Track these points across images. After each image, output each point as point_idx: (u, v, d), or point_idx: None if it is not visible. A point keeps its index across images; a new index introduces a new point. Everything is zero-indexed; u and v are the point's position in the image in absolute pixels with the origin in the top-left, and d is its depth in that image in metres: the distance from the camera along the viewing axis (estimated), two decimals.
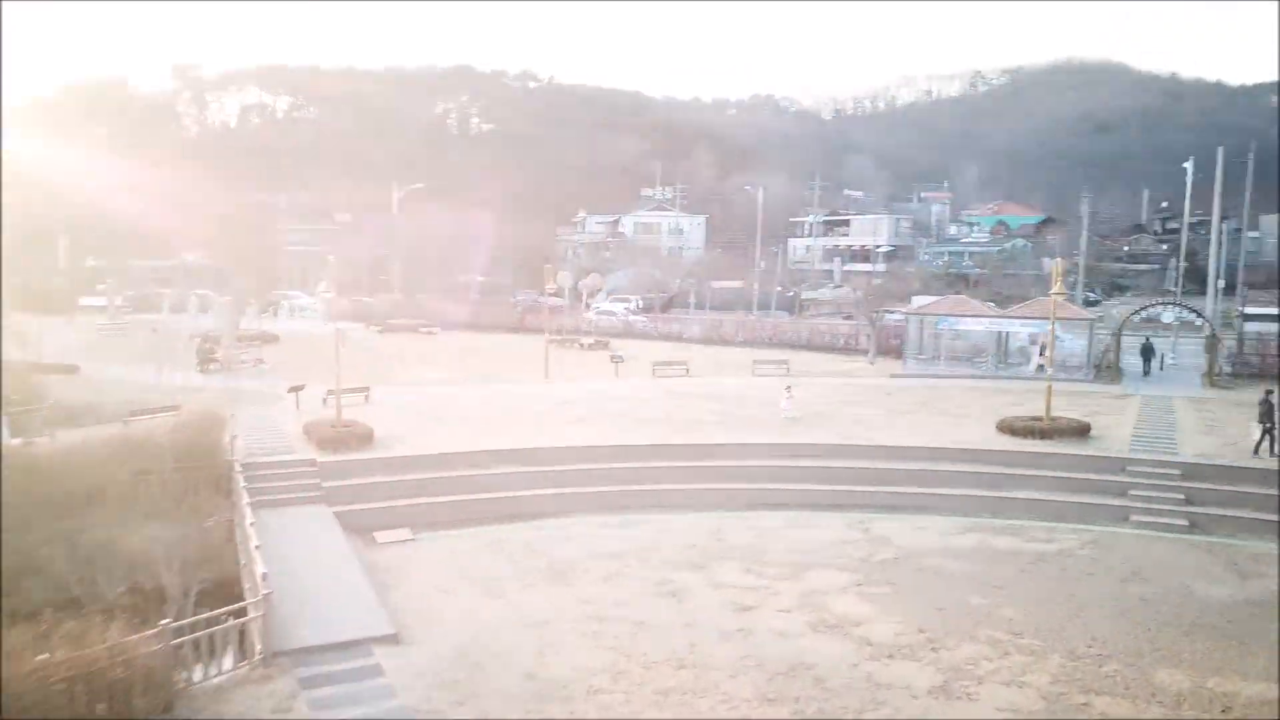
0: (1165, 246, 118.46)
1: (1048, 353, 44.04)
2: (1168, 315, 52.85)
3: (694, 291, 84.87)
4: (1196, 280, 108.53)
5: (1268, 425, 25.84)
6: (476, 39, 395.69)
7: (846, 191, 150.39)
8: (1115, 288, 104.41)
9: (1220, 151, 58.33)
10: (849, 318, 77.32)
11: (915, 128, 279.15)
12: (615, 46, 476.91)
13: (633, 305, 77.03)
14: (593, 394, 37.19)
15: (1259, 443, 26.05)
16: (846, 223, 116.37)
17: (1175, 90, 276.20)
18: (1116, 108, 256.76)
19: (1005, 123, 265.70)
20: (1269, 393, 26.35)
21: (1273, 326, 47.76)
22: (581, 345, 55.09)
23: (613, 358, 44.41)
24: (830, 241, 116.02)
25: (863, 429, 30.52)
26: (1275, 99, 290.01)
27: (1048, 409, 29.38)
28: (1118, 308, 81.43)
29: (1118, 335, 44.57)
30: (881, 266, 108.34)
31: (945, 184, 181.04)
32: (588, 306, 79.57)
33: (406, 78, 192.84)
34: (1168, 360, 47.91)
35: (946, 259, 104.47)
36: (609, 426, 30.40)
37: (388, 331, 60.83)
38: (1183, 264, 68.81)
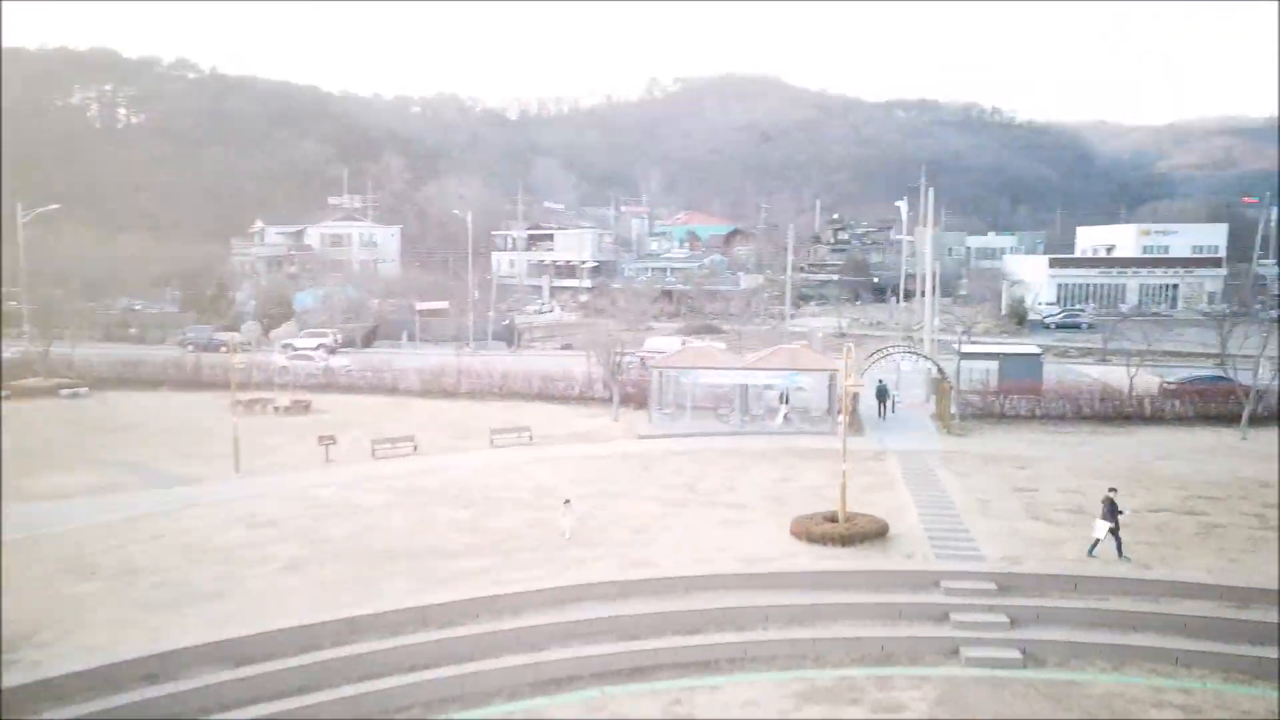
0: (840, 257, 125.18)
1: (789, 405, 42.66)
2: (905, 364, 52.03)
3: (399, 319, 77.34)
4: (873, 291, 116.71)
5: (1112, 526, 24.11)
6: (118, 21, 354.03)
7: (547, 204, 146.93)
8: (800, 298, 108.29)
9: (924, 173, 59.03)
10: (568, 346, 73.40)
11: (599, 130, 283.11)
12: (283, 37, 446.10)
13: (330, 340, 68.23)
14: (303, 499, 29.91)
15: (1096, 543, 24.28)
16: (550, 236, 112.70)
17: (825, 104, 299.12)
18: (777, 119, 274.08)
19: (682, 129, 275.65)
20: (1112, 490, 24.76)
21: (990, 364, 48.67)
22: (276, 409, 46.43)
23: (322, 439, 36.79)
24: (536, 256, 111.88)
25: (642, 542, 25.86)
26: (902, 113, 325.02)
27: (843, 505, 26.22)
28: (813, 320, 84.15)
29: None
30: (588, 283, 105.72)
31: (642, 199, 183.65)
32: (285, 348, 69.78)
33: (28, 60, 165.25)
34: (896, 400, 47.68)
35: (650, 275, 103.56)
36: (333, 572, 23.56)
37: (18, 398, 48.31)
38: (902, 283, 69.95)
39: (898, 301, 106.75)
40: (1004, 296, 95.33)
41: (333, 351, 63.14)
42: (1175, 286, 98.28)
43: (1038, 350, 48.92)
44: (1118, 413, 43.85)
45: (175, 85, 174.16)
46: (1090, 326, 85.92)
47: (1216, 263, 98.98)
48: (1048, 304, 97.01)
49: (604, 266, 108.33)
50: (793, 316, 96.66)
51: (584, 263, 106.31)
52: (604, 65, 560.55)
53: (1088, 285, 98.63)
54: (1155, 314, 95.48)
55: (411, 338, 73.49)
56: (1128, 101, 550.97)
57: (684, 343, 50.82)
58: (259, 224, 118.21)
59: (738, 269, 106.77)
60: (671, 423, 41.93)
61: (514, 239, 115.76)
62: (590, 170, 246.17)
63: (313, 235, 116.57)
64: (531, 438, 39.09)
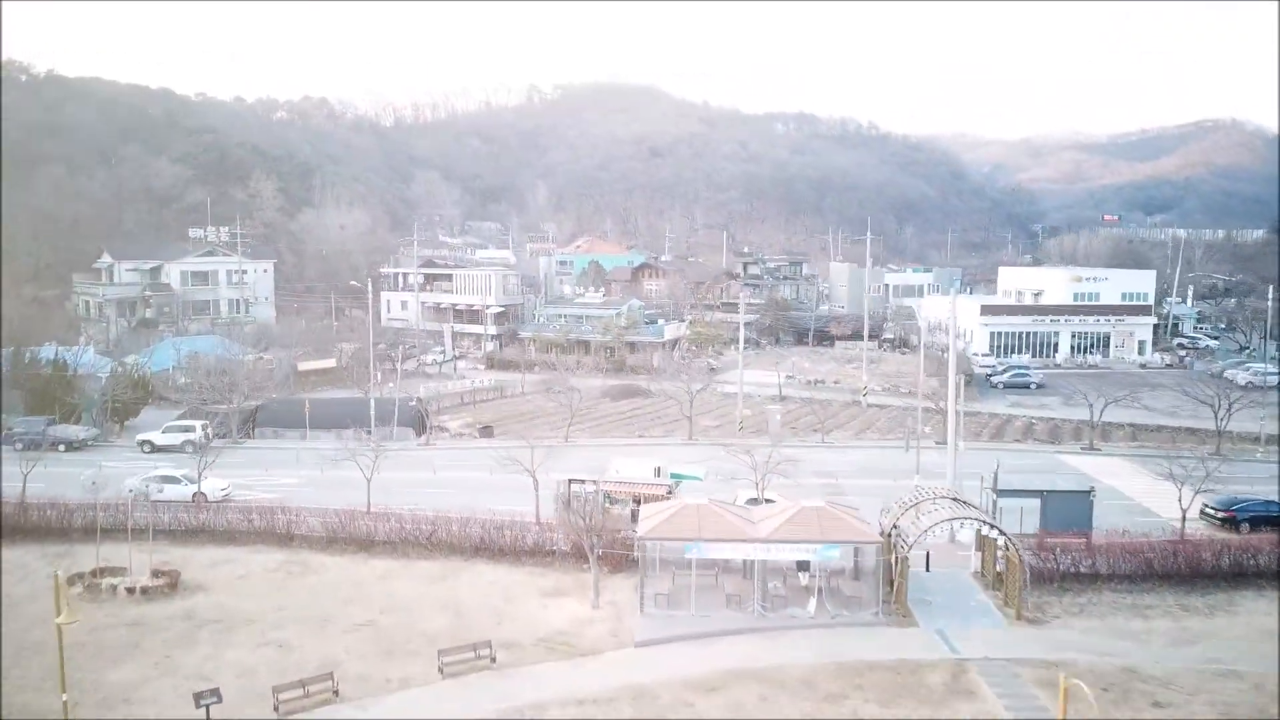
0: (754, 294, 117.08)
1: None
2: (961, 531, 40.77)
3: (282, 402, 64.51)
4: (794, 334, 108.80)
5: None
6: None
7: (443, 238, 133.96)
8: (723, 342, 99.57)
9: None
10: (487, 431, 62.31)
11: (479, 138, 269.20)
12: (131, 34, 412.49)
13: (200, 435, 55.20)
14: None
15: None
16: (449, 276, 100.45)
17: (709, 117, 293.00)
18: (663, 132, 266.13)
19: (566, 139, 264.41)
20: None
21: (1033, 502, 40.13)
22: (130, 590, 33.89)
23: (199, 698, 24.93)
24: (433, 299, 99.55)
25: None
26: (781, 127, 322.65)
27: None
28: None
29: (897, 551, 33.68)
30: (494, 329, 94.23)
31: (547, 233, 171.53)
32: (142, 445, 56.51)
33: None
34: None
35: (564, 323, 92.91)
36: None
37: None
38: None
39: (830, 345, 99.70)
40: (921, 339, 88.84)
41: (202, 448, 50.03)
42: (1107, 336, 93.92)
43: (1087, 488, 40.90)
44: (1193, 569, 35.95)
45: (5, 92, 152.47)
46: (1040, 386, 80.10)
47: (1146, 310, 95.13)
48: (982, 355, 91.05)
49: (510, 310, 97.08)
50: (714, 366, 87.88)
51: (489, 307, 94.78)
52: (480, 68, 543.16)
53: (1019, 334, 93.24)
54: (1094, 365, 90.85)
55: (295, 422, 60.97)
56: (985, 115, 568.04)
57: (670, 490, 40.11)
58: (106, 258, 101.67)
59: (655, 312, 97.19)
60: (671, 615, 31.79)
61: (406, 276, 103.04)
62: (474, 183, 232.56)
63: (172, 272, 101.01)
64: (494, 658, 28.36)
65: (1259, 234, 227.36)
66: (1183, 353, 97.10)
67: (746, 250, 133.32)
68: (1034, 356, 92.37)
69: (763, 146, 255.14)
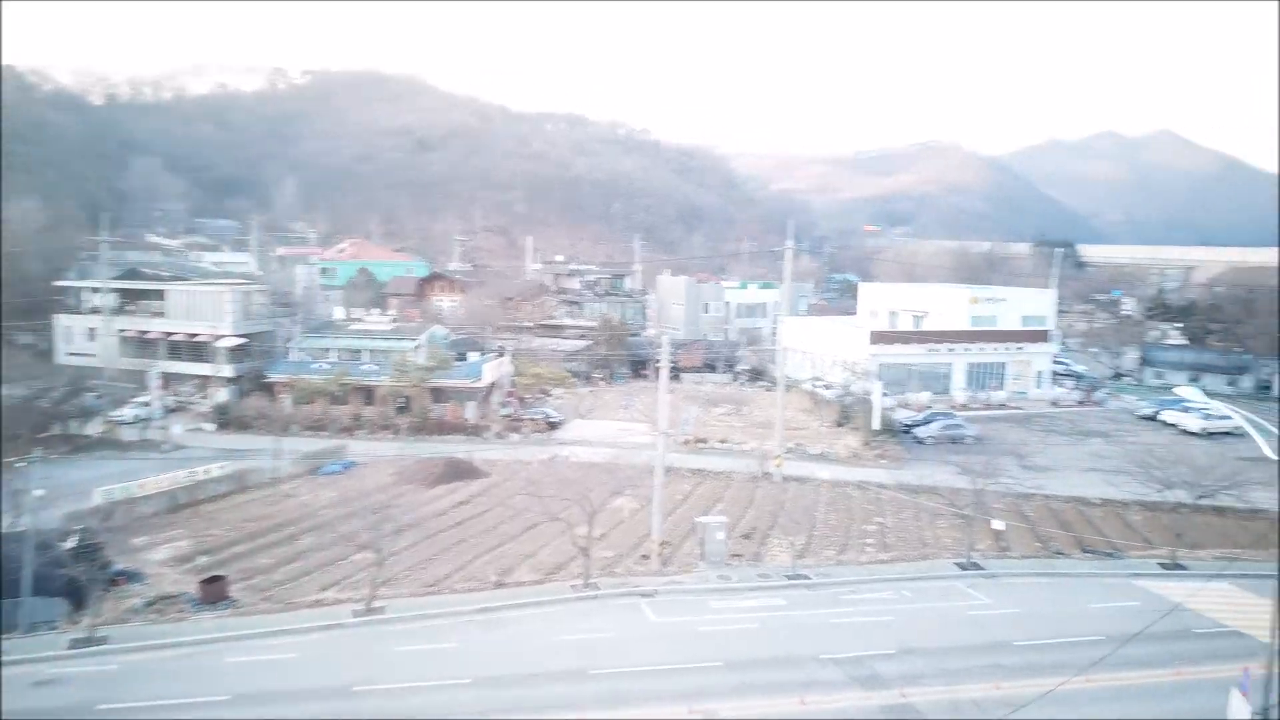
0: (580, 315, 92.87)
1: None
2: None
3: None
4: (630, 365, 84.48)
5: None
6: None
7: (157, 238, 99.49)
8: (548, 380, 74.45)
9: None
10: (213, 589, 34.16)
11: (213, 124, 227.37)
12: None
13: None
14: None
15: None
16: (160, 293, 68.72)
17: (481, 111, 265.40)
18: (432, 125, 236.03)
19: (318, 129, 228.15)
20: None
21: None
22: None
23: None
24: (136, 324, 67.68)
25: None
26: (551, 127, 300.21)
27: None
28: None
29: None
30: (229, 370, 64.26)
31: (309, 237, 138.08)
32: None
33: None
34: None
35: (336, 360, 64.57)
36: None
37: None
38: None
39: (676, 379, 76.54)
40: (771, 367, 68.60)
41: None
42: (1004, 365, 77.58)
43: None
44: None
45: None
46: (976, 440, 61.42)
47: (1044, 335, 79.72)
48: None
49: (257, 343, 67.25)
50: (553, 419, 63.18)
51: (222, 338, 64.75)
52: (215, 46, 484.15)
53: (908, 365, 75.00)
54: (1003, 405, 73.93)
55: None
56: (737, 126, 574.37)
57: None
58: None
59: (462, 343, 70.63)
60: None
61: (97, 293, 70.37)
62: (205, 174, 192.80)
63: None
64: None
65: (985, 245, 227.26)
66: (1071, 384, 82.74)
67: (560, 259, 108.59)
68: (933, 394, 74.40)
69: (545, 145, 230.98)
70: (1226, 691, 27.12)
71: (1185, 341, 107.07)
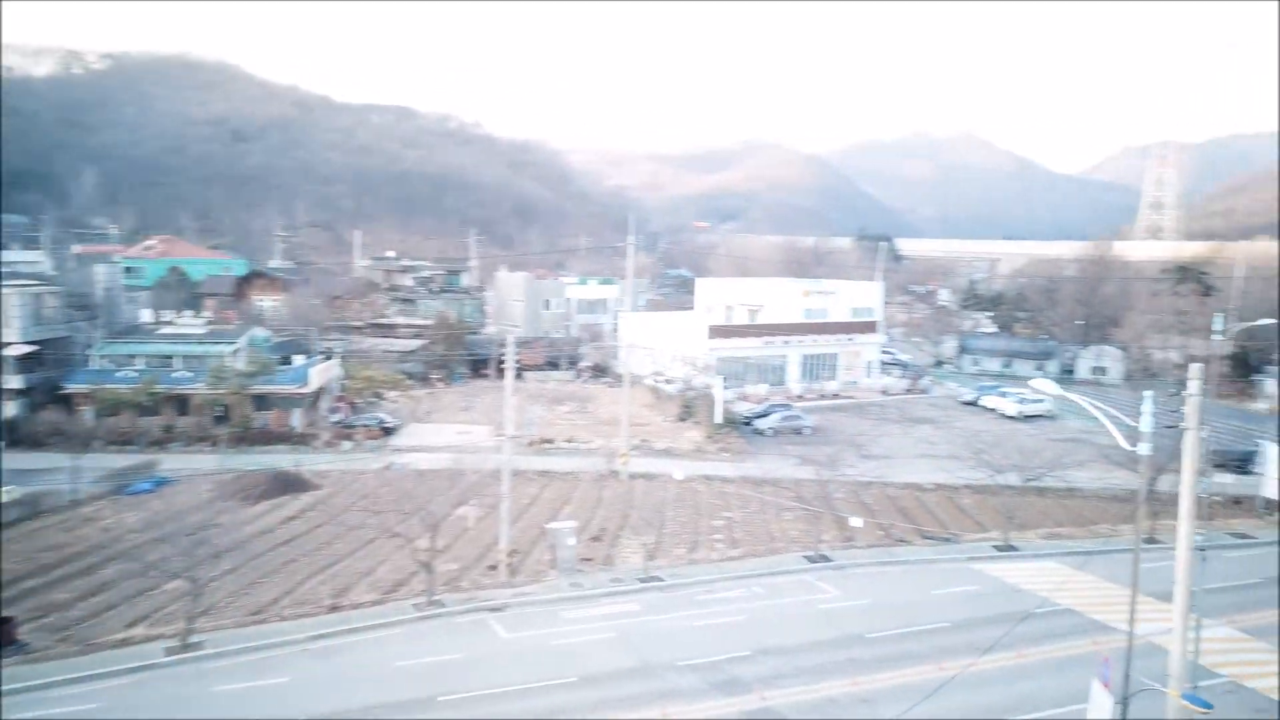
0: (414, 313, 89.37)
1: None
2: None
3: None
4: (470, 365, 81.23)
5: None
6: None
7: None
8: (380, 384, 70.96)
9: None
10: None
11: None
12: None
13: None
14: None
15: None
16: None
17: (302, 101, 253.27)
18: (249, 115, 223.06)
19: (121, 118, 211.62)
20: None
21: None
22: None
23: None
24: None
25: None
26: (378, 118, 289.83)
27: None
28: None
29: None
30: (17, 382, 57.65)
31: (110, 231, 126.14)
32: None
33: None
34: None
35: (144, 366, 59.03)
36: None
37: None
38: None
39: (519, 378, 74.34)
40: (617, 364, 68.49)
41: None
42: (836, 356, 79.75)
43: None
44: None
45: None
46: (813, 430, 62.53)
47: (873, 326, 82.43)
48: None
49: (51, 350, 60.54)
50: (387, 423, 60.17)
51: (8, 345, 57.91)
52: None
53: (745, 358, 75.88)
54: (837, 395, 75.86)
55: None
56: (570, 121, 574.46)
57: None
58: None
59: (286, 345, 66.14)
60: None
61: None
62: None
63: None
64: None
65: (811, 240, 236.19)
66: (898, 373, 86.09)
67: (391, 254, 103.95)
68: (770, 386, 75.52)
69: (371, 137, 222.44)
70: (1064, 670, 28.06)
71: (996, 329, 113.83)
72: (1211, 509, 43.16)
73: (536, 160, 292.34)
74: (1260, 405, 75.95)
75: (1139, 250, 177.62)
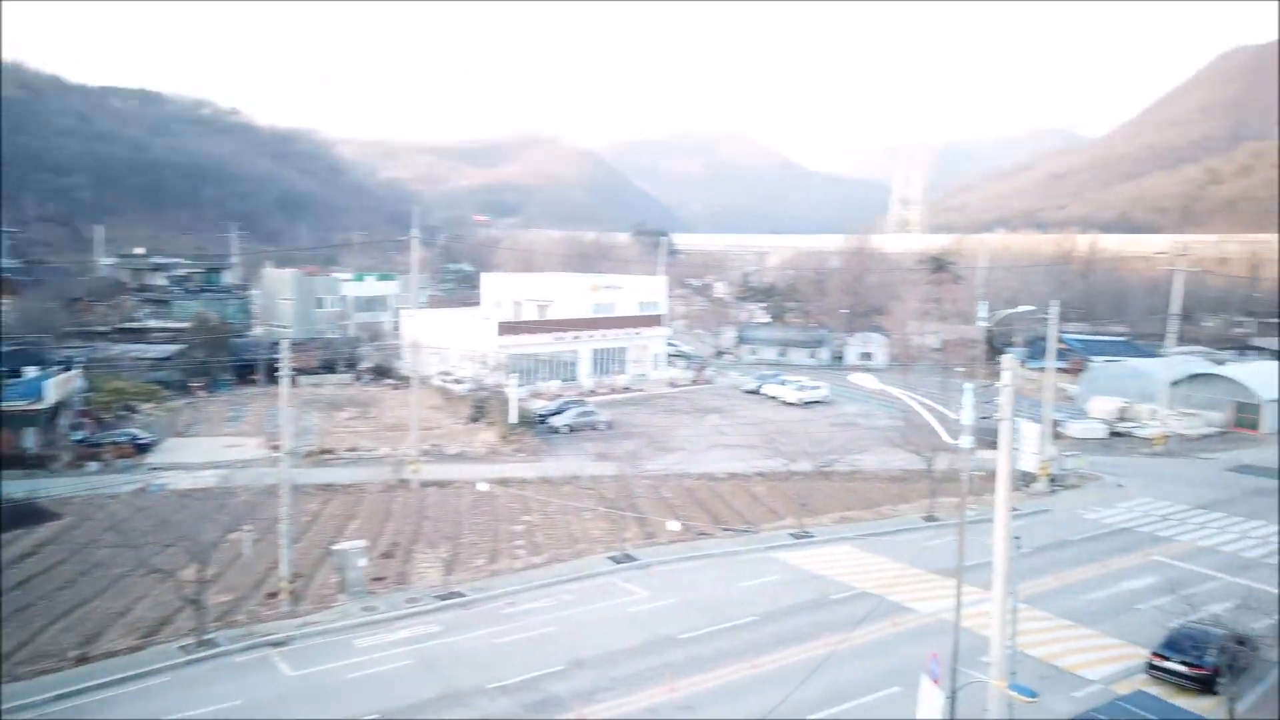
0: (168, 314, 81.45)
1: None
2: None
3: None
4: (235, 372, 73.53)
5: None
6: None
7: None
8: (130, 396, 63.90)
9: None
10: None
11: None
12: None
13: None
14: None
15: None
16: None
17: (27, 82, 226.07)
18: None
19: None
20: None
21: None
22: None
23: None
24: None
25: None
26: (120, 103, 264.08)
27: None
28: None
29: None
30: None
31: None
32: None
33: None
34: None
35: None
36: None
37: None
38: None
39: (293, 384, 68.75)
40: (417, 369, 65.84)
41: None
42: (624, 350, 79.76)
43: None
44: None
45: None
46: (608, 426, 61.84)
47: (658, 320, 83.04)
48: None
49: None
50: (141, 438, 54.02)
51: None
52: None
53: (537, 354, 74.40)
54: (627, 389, 75.71)
55: None
56: (338, 111, 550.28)
57: None
58: None
59: (15, 356, 57.72)
60: None
61: None
62: None
63: None
64: None
65: (590, 235, 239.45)
66: (683, 365, 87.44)
67: (140, 251, 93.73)
68: (561, 382, 74.38)
69: (113, 123, 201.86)
70: (870, 655, 28.49)
71: (770, 320, 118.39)
72: (977, 483, 46.09)
73: (303, 151, 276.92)
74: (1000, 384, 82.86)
75: (893, 243, 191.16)
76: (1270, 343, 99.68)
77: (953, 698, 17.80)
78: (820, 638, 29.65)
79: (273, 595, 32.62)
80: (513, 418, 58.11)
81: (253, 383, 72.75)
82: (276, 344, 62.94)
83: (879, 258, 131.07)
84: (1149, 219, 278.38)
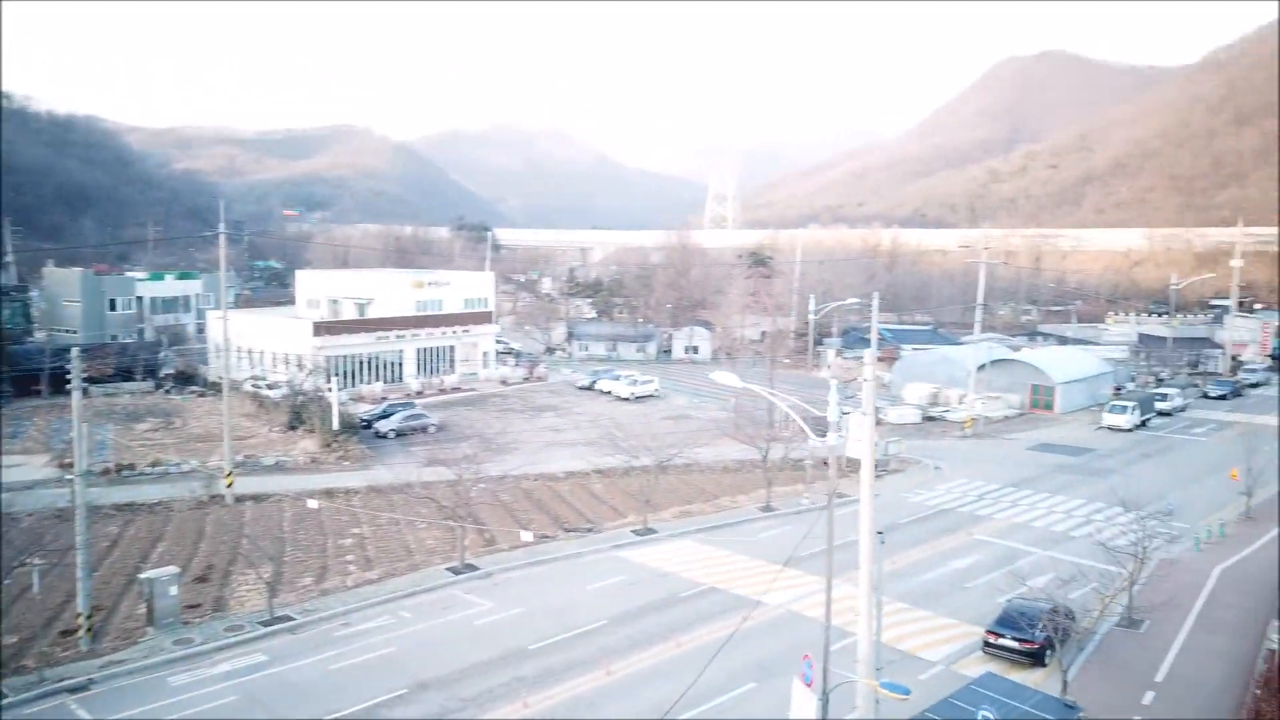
0: None
1: None
2: None
3: None
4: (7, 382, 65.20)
5: None
6: None
7: None
8: None
9: None
10: None
11: None
12: None
13: None
14: None
15: None
16: None
17: None
18: None
19: None
20: None
21: None
22: None
23: None
24: None
25: None
26: None
27: None
28: None
29: None
30: None
31: None
32: None
33: None
34: None
35: None
36: None
37: None
38: None
39: (85, 395, 62.04)
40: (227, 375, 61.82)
41: None
42: (453, 349, 77.28)
43: None
44: None
45: None
46: (438, 428, 59.45)
47: (489, 317, 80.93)
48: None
49: None
50: None
51: None
52: None
53: (357, 356, 70.90)
54: (458, 389, 73.41)
55: None
56: (122, 98, 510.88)
57: None
58: None
59: None
60: None
61: None
62: None
63: None
64: None
65: (408, 230, 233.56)
66: (514, 362, 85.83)
67: None
68: (385, 383, 71.15)
69: None
70: (722, 653, 28.19)
71: (597, 315, 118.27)
72: (809, 471, 47.23)
73: (86, 140, 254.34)
74: (822, 373, 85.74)
75: (711, 238, 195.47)
76: (1056, 329, 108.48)
77: (825, 700, 17.54)
78: (672, 638, 29.18)
79: (68, 633, 28.98)
80: (335, 424, 54.82)
81: (35, 394, 65.53)
82: (62, 350, 56.94)
83: (700, 253, 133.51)
84: (941, 215, 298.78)
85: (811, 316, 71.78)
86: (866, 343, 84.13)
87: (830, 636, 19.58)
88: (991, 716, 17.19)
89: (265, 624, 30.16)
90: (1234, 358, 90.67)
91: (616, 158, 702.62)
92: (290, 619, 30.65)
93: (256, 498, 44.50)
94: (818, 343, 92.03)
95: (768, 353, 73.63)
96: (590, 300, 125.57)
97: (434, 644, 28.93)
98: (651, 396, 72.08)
